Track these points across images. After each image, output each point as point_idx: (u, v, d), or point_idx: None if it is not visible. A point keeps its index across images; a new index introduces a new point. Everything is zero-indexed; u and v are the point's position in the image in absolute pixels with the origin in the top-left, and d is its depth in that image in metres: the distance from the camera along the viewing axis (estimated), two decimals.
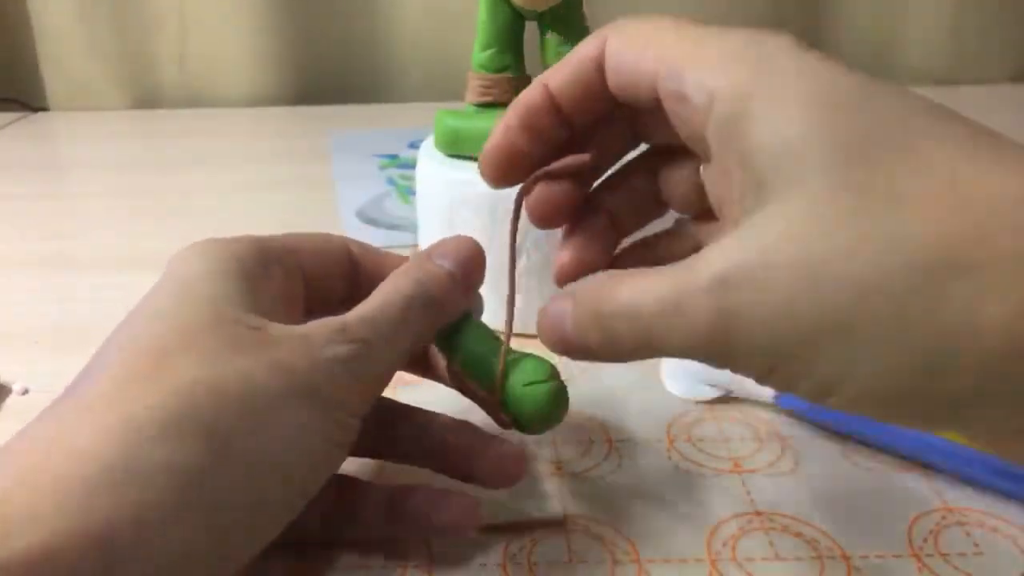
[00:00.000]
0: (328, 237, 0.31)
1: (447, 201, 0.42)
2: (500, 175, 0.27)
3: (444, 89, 0.87)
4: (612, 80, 0.24)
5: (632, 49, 0.24)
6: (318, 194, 0.64)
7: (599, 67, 0.25)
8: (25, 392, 0.39)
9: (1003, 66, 0.97)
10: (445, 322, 0.28)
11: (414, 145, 0.74)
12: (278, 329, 0.24)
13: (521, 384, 0.27)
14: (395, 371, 0.27)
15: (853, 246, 0.18)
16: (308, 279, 0.29)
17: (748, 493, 0.31)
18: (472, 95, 0.43)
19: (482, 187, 0.41)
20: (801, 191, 0.19)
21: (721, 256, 0.20)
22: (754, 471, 0.33)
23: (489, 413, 0.29)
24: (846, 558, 0.28)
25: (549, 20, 0.42)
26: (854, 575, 0.28)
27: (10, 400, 0.38)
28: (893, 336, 0.18)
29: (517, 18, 0.42)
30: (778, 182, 0.20)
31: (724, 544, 0.29)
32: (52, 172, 0.74)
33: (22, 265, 0.53)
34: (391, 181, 0.66)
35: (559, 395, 0.27)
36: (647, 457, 0.33)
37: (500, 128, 0.27)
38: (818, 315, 0.18)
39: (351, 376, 0.25)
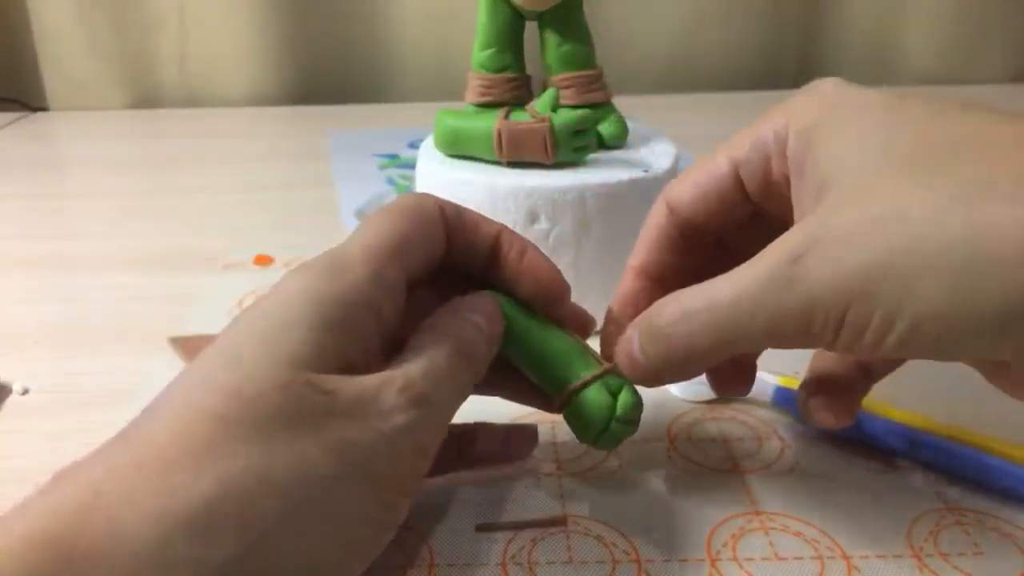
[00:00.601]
0: (422, 209, 0.28)
1: None
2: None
3: (444, 89, 0.87)
4: (752, 191, 0.28)
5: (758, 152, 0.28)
6: (318, 194, 0.64)
7: (734, 180, 0.28)
8: (25, 392, 0.39)
9: (1003, 66, 0.97)
10: (478, 380, 0.27)
11: (414, 145, 0.74)
12: (350, 394, 0.23)
13: (613, 417, 0.28)
14: (445, 431, 0.26)
15: (906, 209, 0.21)
16: (411, 274, 0.27)
17: (748, 493, 0.31)
18: (472, 95, 0.43)
19: (482, 187, 0.41)
20: (858, 180, 0.23)
21: (789, 239, 0.23)
22: (754, 471, 0.33)
23: (535, 404, 0.30)
24: (846, 558, 0.28)
25: (549, 20, 0.42)
26: (854, 575, 0.28)
27: (10, 400, 0.38)
28: (941, 264, 0.20)
29: (517, 18, 0.42)
30: (838, 178, 0.23)
31: (724, 544, 0.29)
32: (52, 172, 0.74)
33: (22, 265, 0.53)
34: (391, 181, 0.66)
35: (631, 431, 0.29)
36: (647, 457, 0.33)
37: (640, 250, 0.31)
38: (882, 258, 0.21)
39: (413, 450, 0.24)
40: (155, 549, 0.19)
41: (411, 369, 0.24)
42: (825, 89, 0.26)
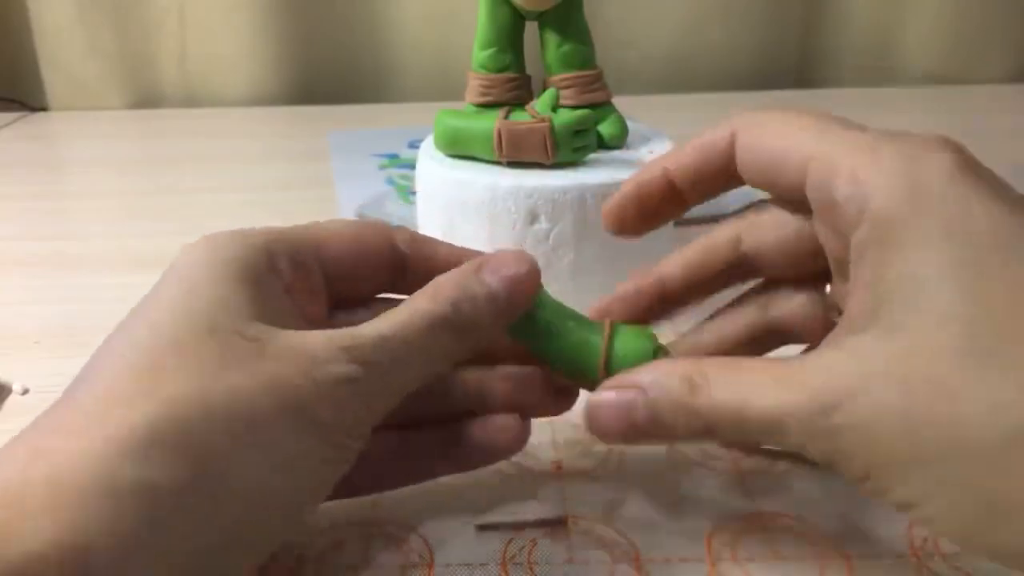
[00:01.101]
0: (365, 225, 0.29)
1: (447, 201, 0.42)
2: (616, 226, 0.30)
3: (444, 89, 0.87)
4: (748, 169, 0.26)
5: (773, 143, 0.26)
6: (318, 194, 0.64)
7: (726, 155, 0.27)
8: (25, 392, 0.39)
9: (1003, 66, 0.97)
10: (480, 346, 0.26)
11: (414, 145, 0.74)
12: (279, 341, 0.23)
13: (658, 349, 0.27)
14: (410, 390, 0.25)
15: (955, 393, 0.19)
16: (333, 273, 0.27)
17: (748, 493, 0.31)
18: (472, 95, 0.43)
19: (482, 187, 0.41)
20: (916, 328, 0.21)
21: (826, 373, 0.22)
22: (754, 471, 0.33)
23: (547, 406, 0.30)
24: (846, 558, 0.28)
25: (549, 20, 0.42)
26: (854, 575, 0.28)
27: (10, 400, 0.38)
28: (969, 484, 0.19)
29: (517, 18, 0.42)
30: (896, 313, 0.21)
31: (724, 544, 0.29)
32: (52, 172, 0.74)
33: (22, 265, 0.53)
34: (391, 181, 0.66)
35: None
36: (647, 457, 0.33)
37: (618, 194, 0.30)
38: (907, 446, 0.20)
39: (355, 399, 0.23)
40: (102, 478, 0.19)
41: (365, 331, 0.24)
42: (921, 174, 0.22)
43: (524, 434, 0.29)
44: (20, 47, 0.89)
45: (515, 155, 0.40)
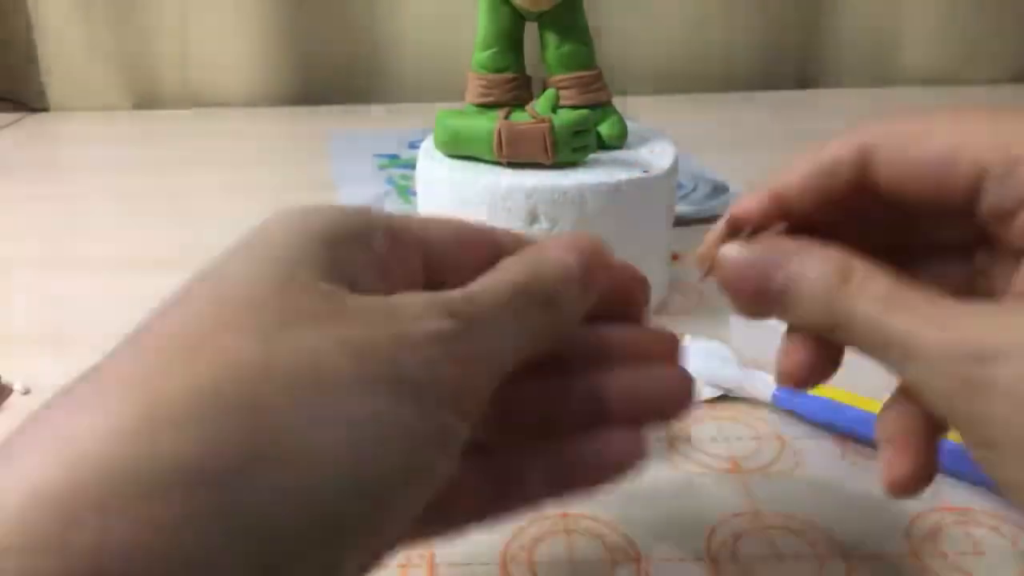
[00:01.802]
0: (466, 222, 0.26)
1: (447, 201, 0.42)
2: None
3: (444, 89, 0.87)
4: (896, 184, 0.23)
5: (930, 147, 0.23)
6: (318, 194, 0.64)
7: (854, 175, 0.23)
8: (27, 392, 0.39)
9: (1003, 66, 0.97)
10: (563, 328, 0.24)
11: (414, 145, 0.74)
12: (361, 300, 0.20)
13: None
14: (507, 367, 0.22)
15: None
16: (432, 262, 0.24)
17: (748, 493, 0.31)
18: (472, 95, 0.43)
19: (482, 187, 0.41)
20: None
21: (995, 322, 0.19)
22: (754, 471, 0.33)
23: None
24: (846, 558, 0.28)
25: (549, 20, 0.42)
26: (854, 575, 0.28)
27: (12, 400, 0.38)
28: None
29: (517, 18, 0.42)
30: None
31: (724, 544, 0.29)
32: (52, 172, 0.74)
33: (22, 265, 0.53)
34: (391, 181, 0.66)
35: None
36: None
37: (716, 233, 0.25)
38: None
39: (450, 360, 0.20)
40: (133, 462, 0.16)
41: (452, 292, 0.21)
42: None
43: (645, 448, 0.24)
44: (21, 47, 0.89)
45: (515, 155, 0.40)
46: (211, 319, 0.18)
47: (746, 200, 0.24)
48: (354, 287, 0.20)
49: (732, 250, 0.23)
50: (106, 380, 0.18)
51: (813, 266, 0.22)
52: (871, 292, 0.21)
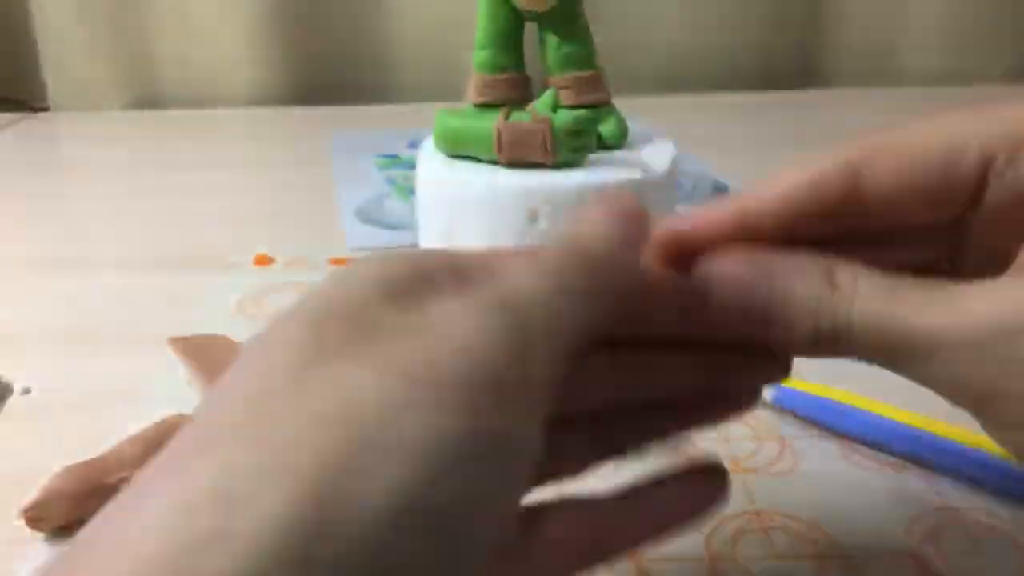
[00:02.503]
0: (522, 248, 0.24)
1: (447, 201, 0.42)
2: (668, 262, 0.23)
3: (444, 89, 0.87)
4: (893, 198, 0.22)
5: (923, 154, 0.21)
6: (318, 194, 0.64)
7: (844, 193, 0.22)
8: (27, 392, 0.39)
9: (1003, 66, 0.97)
10: (620, 299, 0.21)
11: (414, 145, 0.74)
12: (396, 317, 0.18)
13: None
14: (569, 356, 0.20)
15: None
16: None
17: (748, 493, 0.31)
18: (472, 95, 0.43)
19: (482, 187, 0.41)
20: None
21: (1012, 299, 0.19)
22: (754, 471, 0.33)
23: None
24: (846, 558, 0.28)
25: (549, 20, 0.42)
26: (854, 575, 0.28)
27: (12, 400, 0.38)
28: None
29: (517, 18, 0.42)
30: None
31: (724, 544, 0.29)
32: (53, 172, 0.74)
33: (22, 265, 0.53)
34: (391, 181, 0.66)
35: None
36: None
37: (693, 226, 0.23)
38: None
39: (505, 353, 0.17)
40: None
41: (488, 284, 0.19)
42: None
43: (727, 487, 0.23)
44: (21, 48, 0.90)
45: (515, 155, 0.40)
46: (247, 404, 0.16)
47: (704, 214, 0.23)
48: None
49: (710, 264, 0.22)
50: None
51: (798, 275, 0.21)
52: (867, 292, 0.20)
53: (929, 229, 0.23)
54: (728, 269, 0.21)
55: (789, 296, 0.21)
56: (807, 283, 0.20)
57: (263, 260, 0.52)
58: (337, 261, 0.52)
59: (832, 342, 0.20)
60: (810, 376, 0.35)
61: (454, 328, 0.17)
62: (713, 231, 0.22)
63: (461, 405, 0.16)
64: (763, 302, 0.21)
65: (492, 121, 0.41)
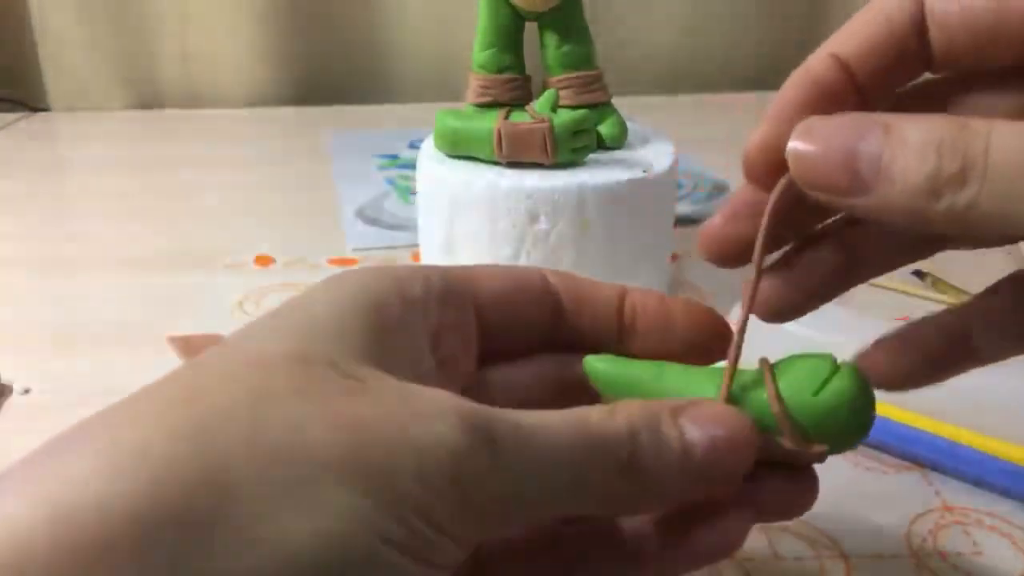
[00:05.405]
0: (517, 269, 0.24)
1: (447, 201, 0.42)
2: (760, 181, 0.22)
3: (444, 89, 0.87)
4: (960, 32, 0.19)
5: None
6: (318, 194, 0.64)
7: (911, 28, 0.20)
8: (26, 392, 0.39)
9: None
10: (654, 508, 0.21)
11: (414, 145, 0.74)
12: (383, 384, 0.18)
13: (808, 396, 0.20)
14: (534, 520, 0.19)
15: None
16: (489, 315, 0.23)
17: None
18: (472, 95, 0.43)
19: (482, 187, 0.41)
20: None
21: None
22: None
23: (783, 457, 0.21)
24: (846, 558, 0.28)
25: (549, 20, 0.42)
26: (854, 575, 0.28)
27: (11, 400, 0.38)
28: None
29: (517, 18, 0.42)
30: None
31: None
32: (53, 172, 0.74)
33: (22, 265, 0.53)
34: (391, 181, 0.66)
35: (857, 385, 0.21)
36: None
37: (772, 119, 0.22)
38: None
39: (453, 487, 0.17)
40: (102, 499, 0.15)
41: (499, 411, 0.18)
42: None
43: (745, 533, 0.22)
44: (21, 47, 0.89)
45: (515, 155, 0.40)
46: (217, 378, 0.18)
47: (809, 65, 0.21)
48: (390, 362, 0.19)
49: (813, 120, 0.19)
50: (89, 426, 0.18)
51: (911, 120, 0.17)
52: (1006, 126, 0.16)
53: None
54: (827, 125, 0.19)
55: (904, 138, 0.17)
56: (928, 125, 0.17)
57: (263, 260, 0.52)
58: (337, 261, 0.52)
59: (958, 184, 0.16)
60: None
61: (425, 425, 0.17)
62: (814, 91, 0.21)
63: (390, 499, 0.16)
64: (869, 155, 0.18)
65: (492, 121, 0.41)
